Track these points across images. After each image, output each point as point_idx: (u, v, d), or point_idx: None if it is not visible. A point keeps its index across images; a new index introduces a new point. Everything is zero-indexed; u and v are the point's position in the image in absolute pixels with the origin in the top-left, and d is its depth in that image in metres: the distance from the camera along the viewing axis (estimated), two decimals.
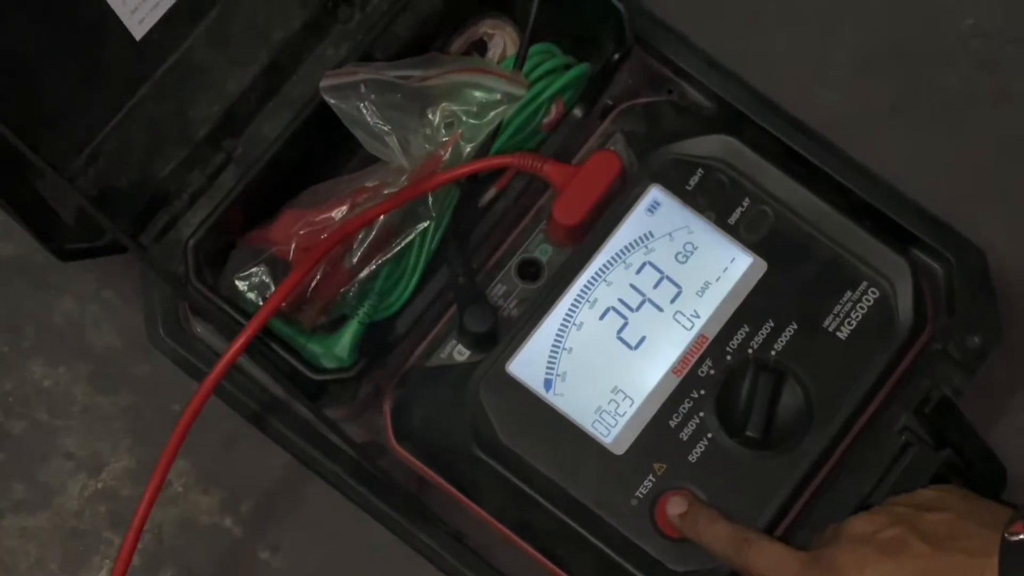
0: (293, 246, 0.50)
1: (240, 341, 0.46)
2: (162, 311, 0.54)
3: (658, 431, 0.49)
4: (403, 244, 0.51)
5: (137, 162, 0.53)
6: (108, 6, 0.49)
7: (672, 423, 0.49)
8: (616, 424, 0.49)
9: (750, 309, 0.51)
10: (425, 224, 0.51)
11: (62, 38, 0.49)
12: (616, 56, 0.54)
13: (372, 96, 0.49)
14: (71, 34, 0.49)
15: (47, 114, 0.50)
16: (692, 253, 0.52)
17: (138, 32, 0.51)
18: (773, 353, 0.50)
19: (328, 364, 0.50)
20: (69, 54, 0.50)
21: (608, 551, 0.48)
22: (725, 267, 0.52)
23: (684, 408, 0.50)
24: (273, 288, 0.50)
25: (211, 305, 0.50)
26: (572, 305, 0.51)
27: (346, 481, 0.52)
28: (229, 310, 0.49)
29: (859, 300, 0.51)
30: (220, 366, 0.47)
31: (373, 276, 0.51)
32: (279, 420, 0.53)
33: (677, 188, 0.52)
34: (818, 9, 0.63)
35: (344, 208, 0.50)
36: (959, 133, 0.62)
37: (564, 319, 0.51)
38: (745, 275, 0.52)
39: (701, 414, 0.49)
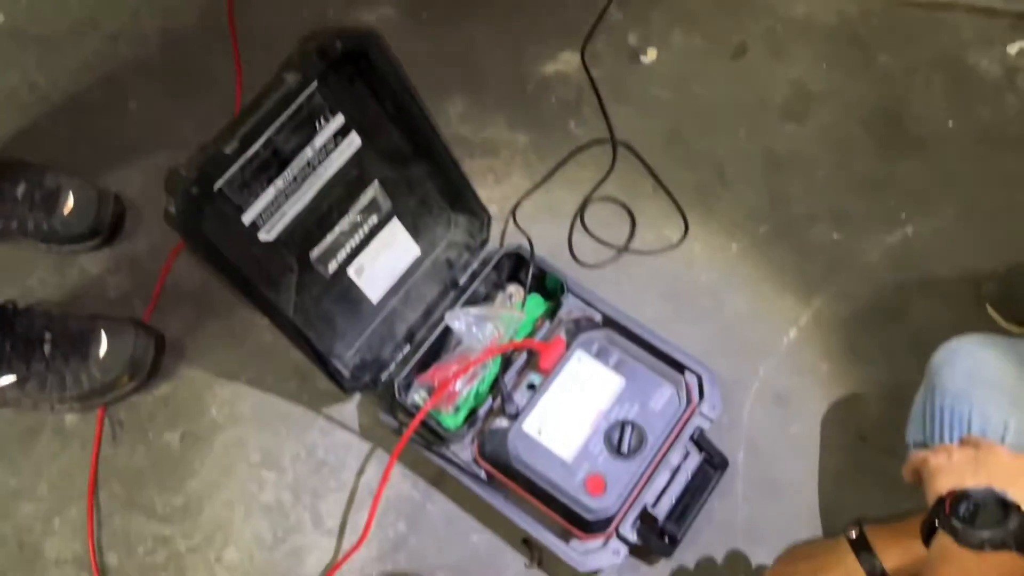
0: (436, 381, 1.25)
1: (418, 418, 1.21)
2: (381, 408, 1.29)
3: (585, 450, 1.23)
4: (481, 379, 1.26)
5: (374, 351, 1.30)
6: (361, 291, 1.26)
7: (590, 447, 1.23)
8: (570, 446, 1.23)
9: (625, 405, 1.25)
10: (488, 371, 1.27)
11: (344, 308, 1.26)
12: (560, 298, 1.32)
13: (469, 320, 1.25)
14: (348, 305, 1.26)
15: (338, 338, 1.27)
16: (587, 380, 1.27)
17: (375, 298, 1.28)
18: (632, 415, 1.24)
19: (451, 427, 1.25)
20: (346, 314, 1.27)
21: (566, 502, 1.21)
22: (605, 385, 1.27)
23: (594, 444, 1.23)
24: (428, 399, 1.25)
25: (404, 405, 1.26)
26: (549, 396, 1.25)
27: (462, 474, 1.26)
28: (411, 408, 1.25)
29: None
30: (411, 427, 1.21)
31: (468, 393, 1.26)
32: (429, 448, 1.27)
33: (588, 350, 1.28)
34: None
35: (455, 365, 1.25)
36: None
37: (546, 401, 1.25)
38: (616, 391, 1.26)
39: (602, 446, 1.23)
